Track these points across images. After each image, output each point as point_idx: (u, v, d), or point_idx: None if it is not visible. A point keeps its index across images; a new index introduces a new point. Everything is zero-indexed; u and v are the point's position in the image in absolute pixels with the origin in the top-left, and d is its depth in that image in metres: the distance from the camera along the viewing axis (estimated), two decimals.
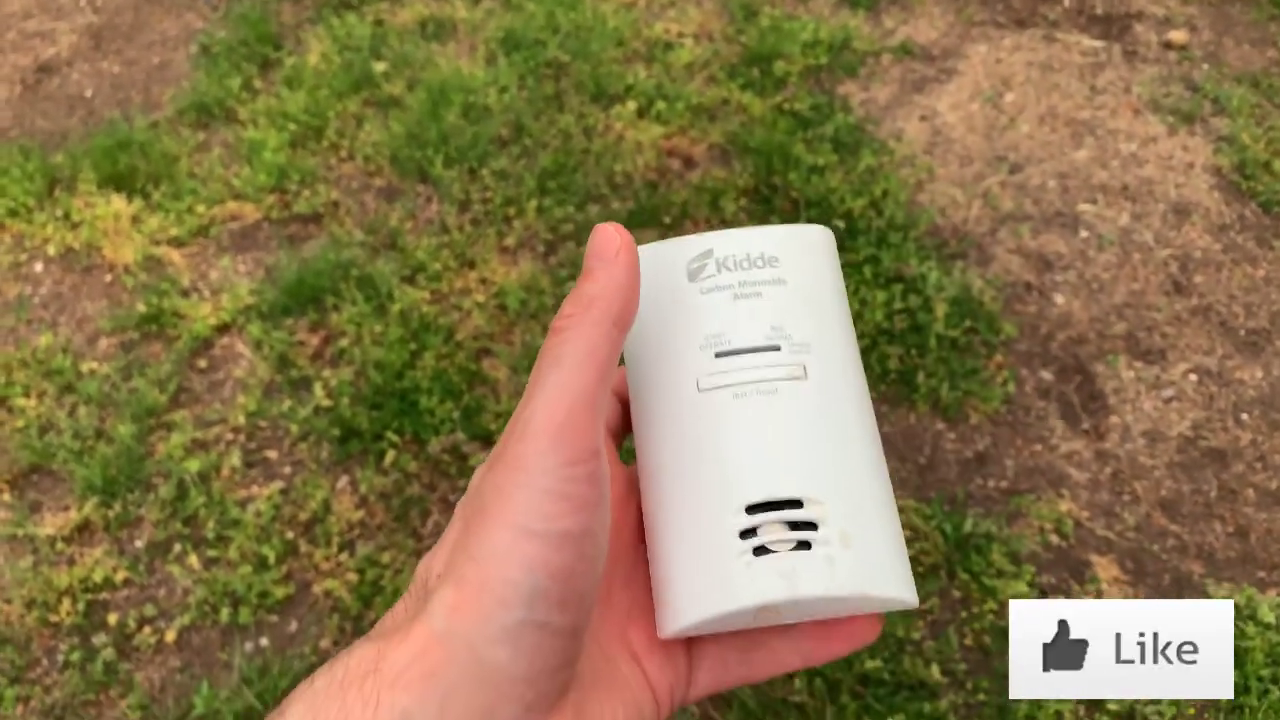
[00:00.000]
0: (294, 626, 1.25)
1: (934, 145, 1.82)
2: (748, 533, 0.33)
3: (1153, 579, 1.28)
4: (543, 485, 0.30)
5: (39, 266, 1.62)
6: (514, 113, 1.83)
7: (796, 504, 0.33)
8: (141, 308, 1.54)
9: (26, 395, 1.45)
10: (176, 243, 1.64)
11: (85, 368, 1.49)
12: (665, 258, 0.38)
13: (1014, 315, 1.54)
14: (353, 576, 1.27)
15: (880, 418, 1.40)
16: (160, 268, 1.61)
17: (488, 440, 1.39)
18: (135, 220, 1.66)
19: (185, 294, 1.57)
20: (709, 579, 0.33)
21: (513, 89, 1.88)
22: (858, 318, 1.50)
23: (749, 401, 0.35)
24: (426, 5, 2.06)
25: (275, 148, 1.75)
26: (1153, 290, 1.58)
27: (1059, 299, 1.57)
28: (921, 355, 1.47)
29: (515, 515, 0.29)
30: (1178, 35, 2.01)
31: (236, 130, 1.81)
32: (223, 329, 1.52)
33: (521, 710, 0.30)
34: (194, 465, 1.36)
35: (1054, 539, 1.31)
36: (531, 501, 0.30)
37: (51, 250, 1.63)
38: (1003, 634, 1.23)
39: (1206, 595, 1.24)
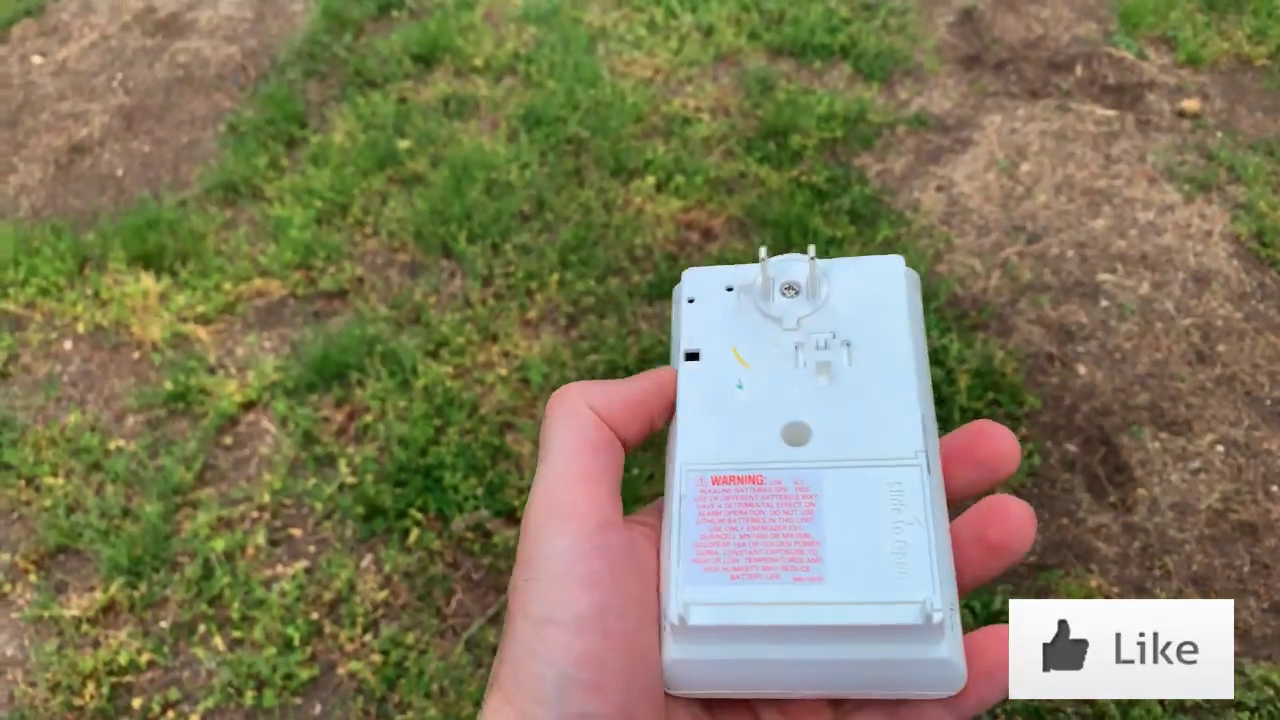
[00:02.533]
0: (318, 709, 1.24)
1: (951, 215, 1.83)
2: None
3: None
4: (546, 572, 0.29)
5: (68, 344, 1.64)
6: (535, 188, 1.86)
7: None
8: (168, 385, 1.55)
9: (55, 474, 1.46)
10: (203, 320, 1.66)
11: (113, 445, 1.50)
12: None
13: (1036, 386, 1.54)
14: (377, 658, 1.26)
15: None
16: (187, 345, 1.63)
17: (511, 516, 1.39)
18: (163, 298, 1.69)
19: (211, 371, 1.59)
20: None
21: (534, 165, 1.91)
22: None
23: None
24: (449, 83, 2.11)
25: (301, 225, 1.78)
26: (1176, 360, 1.58)
27: (1081, 370, 1.56)
28: (945, 428, 1.46)
29: (529, 607, 0.29)
30: (1190, 104, 2.03)
31: (263, 208, 1.84)
32: (248, 406, 1.54)
33: None
34: (219, 544, 1.36)
35: None
36: (539, 591, 0.29)
37: (81, 328, 1.66)
38: (1035, 714, 1.21)
39: (1243, 674, 1.22)
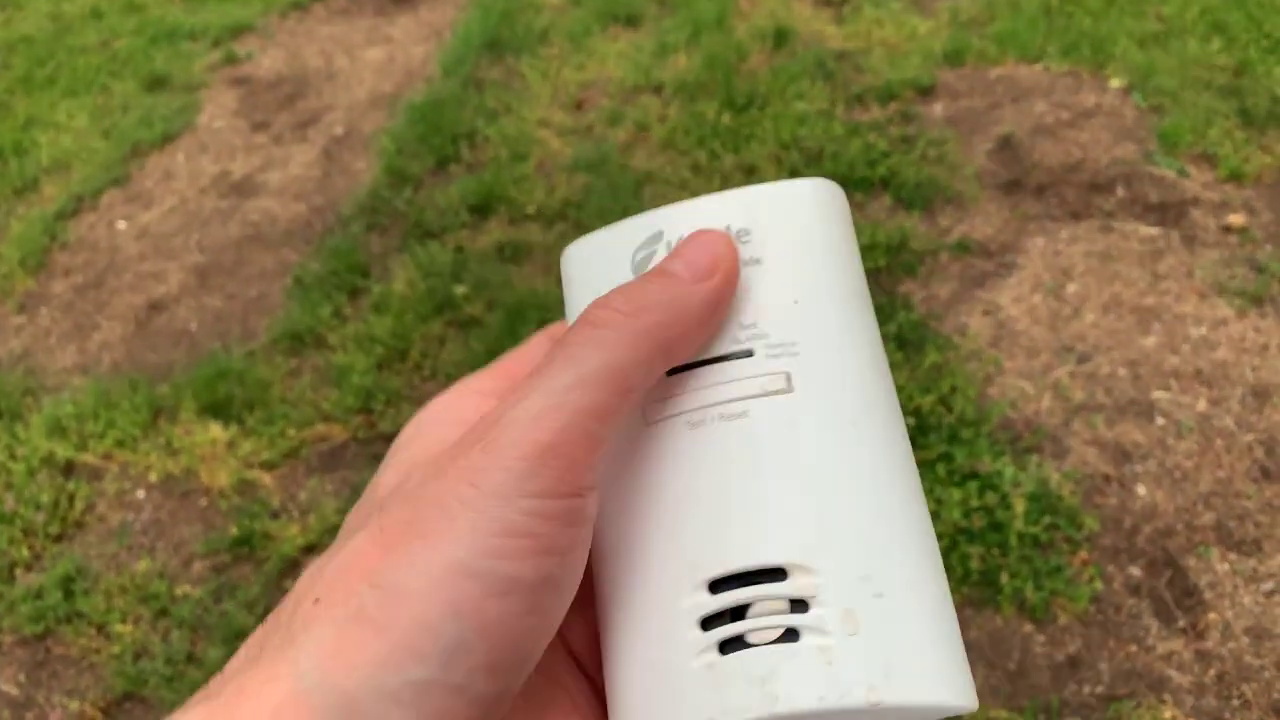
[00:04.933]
0: None
1: (999, 339, 1.84)
2: (711, 620, 0.24)
3: None
4: (499, 514, 0.22)
5: (141, 494, 1.71)
6: None
7: (778, 574, 0.24)
8: (234, 530, 1.60)
9: (124, 621, 1.51)
10: (268, 465, 1.72)
11: (180, 591, 1.54)
12: (606, 249, 0.29)
13: (1095, 508, 1.51)
14: None
15: (964, 621, 1.36)
16: (252, 490, 1.69)
17: None
18: (230, 445, 1.75)
19: (275, 515, 1.63)
20: (658, 692, 0.24)
21: None
22: (934, 517, 1.49)
23: (709, 431, 0.25)
24: (504, 231, 2.20)
25: (362, 370, 1.85)
26: (1240, 477, 1.54)
27: (1141, 490, 1.54)
28: (1003, 554, 1.44)
29: (454, 543, 0.22)
30: (1236, 219, 2.04)
31: (326, 355, 1.92)
32: (310, 549, 1.57)
33: None
34: None
35: None
36: (479, 530, 0.22)
37: (153, 477, 1.72)
38: None
39: None
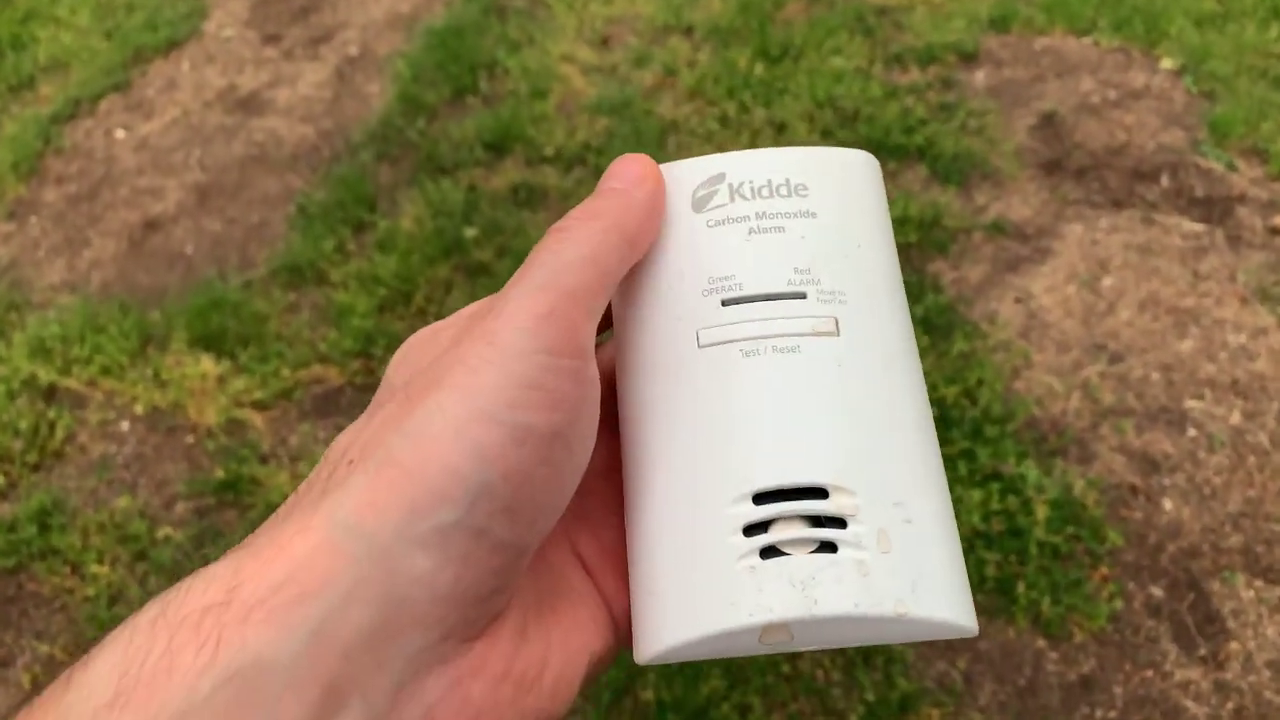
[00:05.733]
0: None
1: (1029, 330, 1.76)
2: (754, 528, 0.26)
3: None
4: (516, 369, 0.24)
5: (125, 425, 1.64)
6: None
7: (820, 493, 0.26)
8: (220, 473, 1.53)
9: (100, 561, 1.44)
10: (259, 406, 1.65)
11: (160, 533, 1.48)
12: (667, 183, 0.31)
13: (1119, 521, 1.45)
14: None
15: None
16: (241, 431, 1.62)
17: None
18: (221, 381, 1.68)
19: (264, 460, 1.57)
20: (700, 587, 0.26)
21: None
22: None
23: (762, 361, 0.28)
24: (519, 172, 2.10)
25: (364, 312, 1.77)
26: (1270, 499, 1.48)
27: (1167, 505, 1.47)
28: (1021, 563, 1.38)
29: (477, 394, 0.24)
30: None
31: (327, 292, 1.84)
32: None
33: (437, 637, 0.23)
34: None
35: None
36: (500, 382, 0.24)
37: (139, 409, 1.65)
38: None
39: None
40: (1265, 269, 1.85)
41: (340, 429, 1.61)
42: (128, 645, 0.21)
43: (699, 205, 0.30)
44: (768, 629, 0.25)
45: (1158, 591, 1.37)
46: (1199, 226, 1.96)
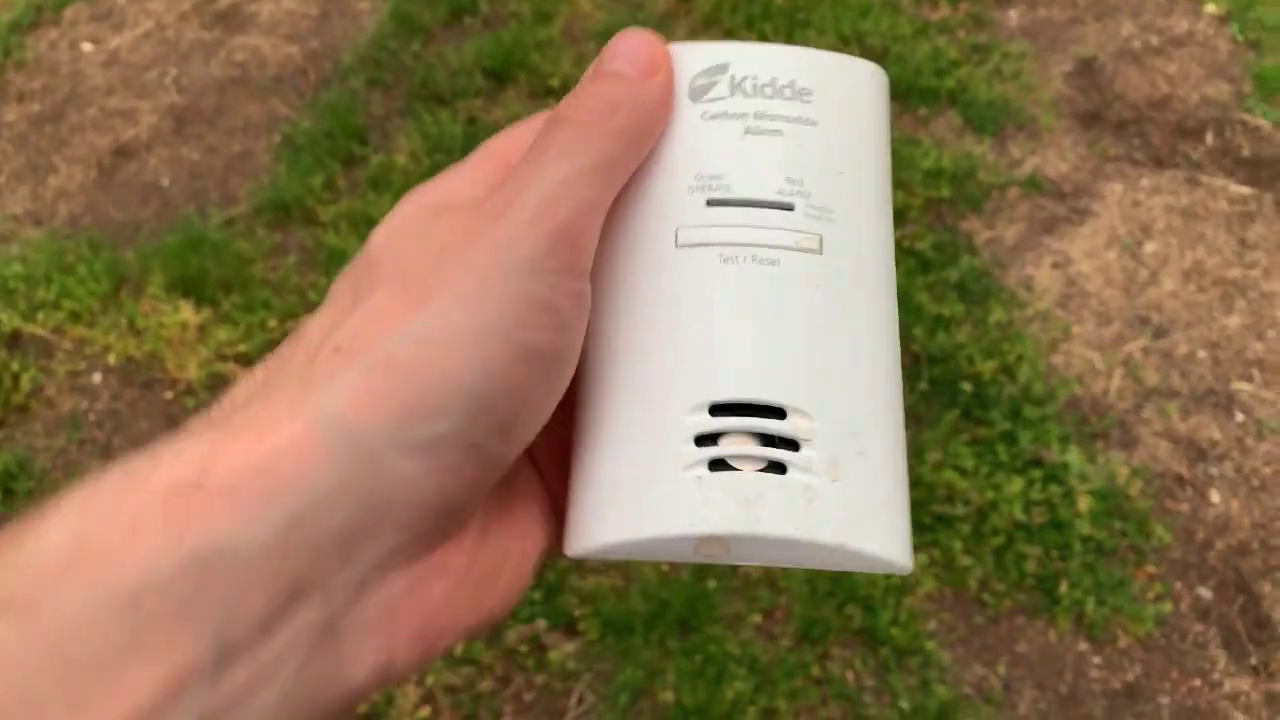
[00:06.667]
0: None
1: (1068, 298, 1.66)
2: (706, 439, 0.25)
3: None
4: (527, 288, 0.23)
5: (97, 378, 1.51)
6: None
7: (778, 413, 0.25)
8: None
9: None
10: (244, 359, 1.52)
11: None
12: None
13: (1165, 514, 1.37)
14: None
15: (1015, 631, 1.23)
16: (224, 386, 1.49)
17: (571, 628, 1.24)
18: (202, 331, 1.55)
19: None
20: (642, 491, 0.25)
21: None
22: (991, 507, 1.34)
23: (740, 270, 0.26)
24: (523, 104, 1.95)
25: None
26: None
27: (1215, 497, 1.39)
28: (1064, 559, 1.30)
29: (485, 308, 0.23)
30: None
31: (316, 234, 1.70)
32: None
33: (408, 540, 0.23)
34: None
35: None
36: (510, 298, 0.23)
37: (112, 359, 1.52)
38: None
39: None
40: None
41: None
42: (86, 509, 0.20)
43: (696, 94, 0.28)
44: (705, 540, 0.25)
45: (1206, 593, 1.30)
46: (1246, 190, 1.85)
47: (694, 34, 2.12)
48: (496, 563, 0.26)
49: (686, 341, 0.26)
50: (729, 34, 2.12)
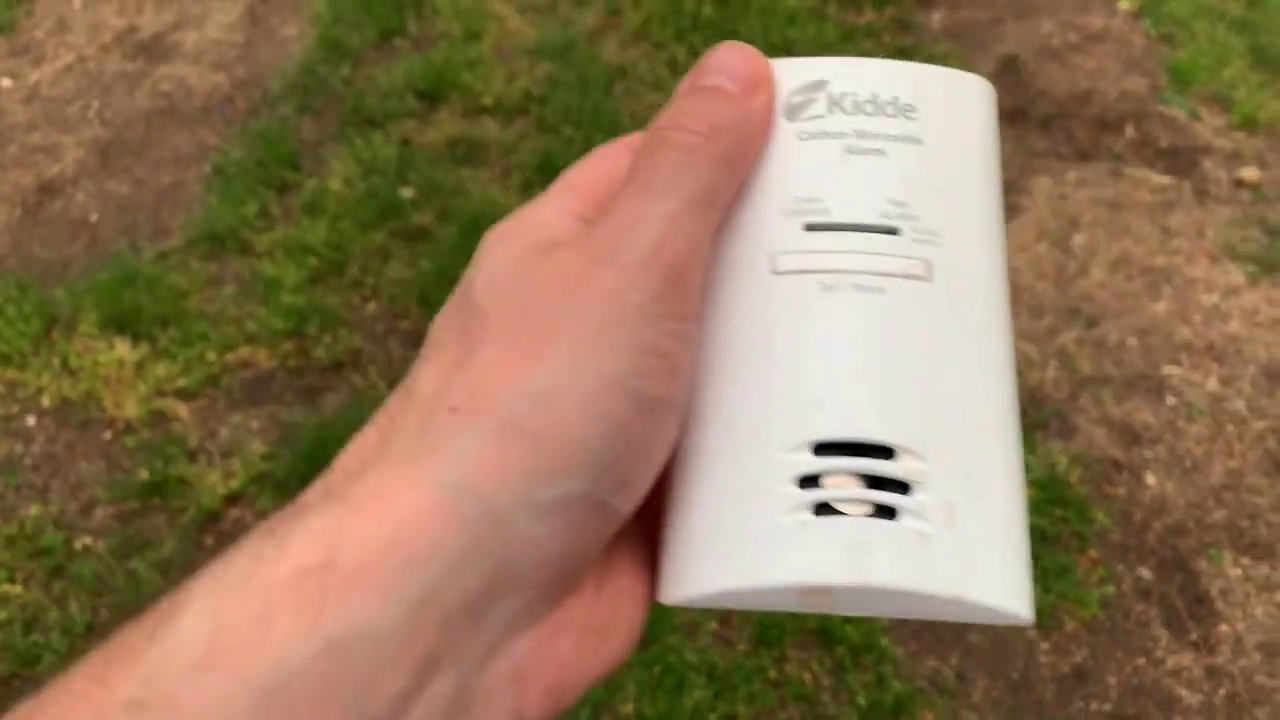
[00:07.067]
0: None
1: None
2: (809, 481, 0.24)
3: None
4: (643, 335, 0.23)
5: (31, 420, 1.48)
6: None
7: (886, 453, 0.24)
8: (144, 473, 1.39)
9: (12, 580, 1.30)
10: (184, 395, 1.50)
11: (79, 544, 1.34)
12: None
13: (1104, 499, 1.40)
14: None
15: (966, 623, 1.26)
16: (165, 423, 1.47)
17: None
18: (139, 368, 1.52)
19: (192, 456, 1.43)
20: (745, 535, 0.24)
21: None
22: None
23: (843, 298, 0.25)
24: (456, 124, 1.95)
25: (293, 286, 1.62)
26: (1251, 469, 1.45)
27: (1150, 479, 1.43)
28: None
29: (603, 360, 0.22)
30: (1249, 174, 1.91)
31: (252, 264, 1.68)
32: (233, 500, 1.38)
33: (534, 598, 0.22)
34: None
35: None
36: (626, 347, 0.22)
37: (46, 401, 1.49)
38: None
39: None
40: (1233, 225, 1.81)
41: (275, 418, 1.48)
42: (217, 600, 0.19)
43: (792, 113, 0.27)
44: (810, 590, 0.23)
45: (1146, 573, 1.33)
46: (1166, 180, 1.90)
47: (624, 48, 2.14)
48: (613, 611, 0.25)
49: (786, 375, 0.25)
50: (658, 47, 2.14)
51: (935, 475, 0.23)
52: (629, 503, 0.23)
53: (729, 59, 0.26)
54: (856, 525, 0.23)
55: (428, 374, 0.23)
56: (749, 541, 0.24)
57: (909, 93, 0.27)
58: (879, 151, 0.26)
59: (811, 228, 0.26)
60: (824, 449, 0.24)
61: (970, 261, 0.26)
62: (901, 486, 0.23)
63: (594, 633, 0.24)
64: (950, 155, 0.27)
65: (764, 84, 0.26)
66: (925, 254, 0.25)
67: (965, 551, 0.23)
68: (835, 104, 0.27)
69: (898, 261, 0.25)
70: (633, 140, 0.28)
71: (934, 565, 0.23)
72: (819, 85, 0.27)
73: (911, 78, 0.27)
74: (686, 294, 0.24)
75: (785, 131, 0.27)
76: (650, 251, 0.23)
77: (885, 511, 0.23)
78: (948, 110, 0.27)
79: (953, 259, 0.25)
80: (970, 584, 0.23)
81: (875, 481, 0.23)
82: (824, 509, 0.23)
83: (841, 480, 0.24)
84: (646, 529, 0.28)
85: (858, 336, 0.24)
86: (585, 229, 0.25)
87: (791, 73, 0.27)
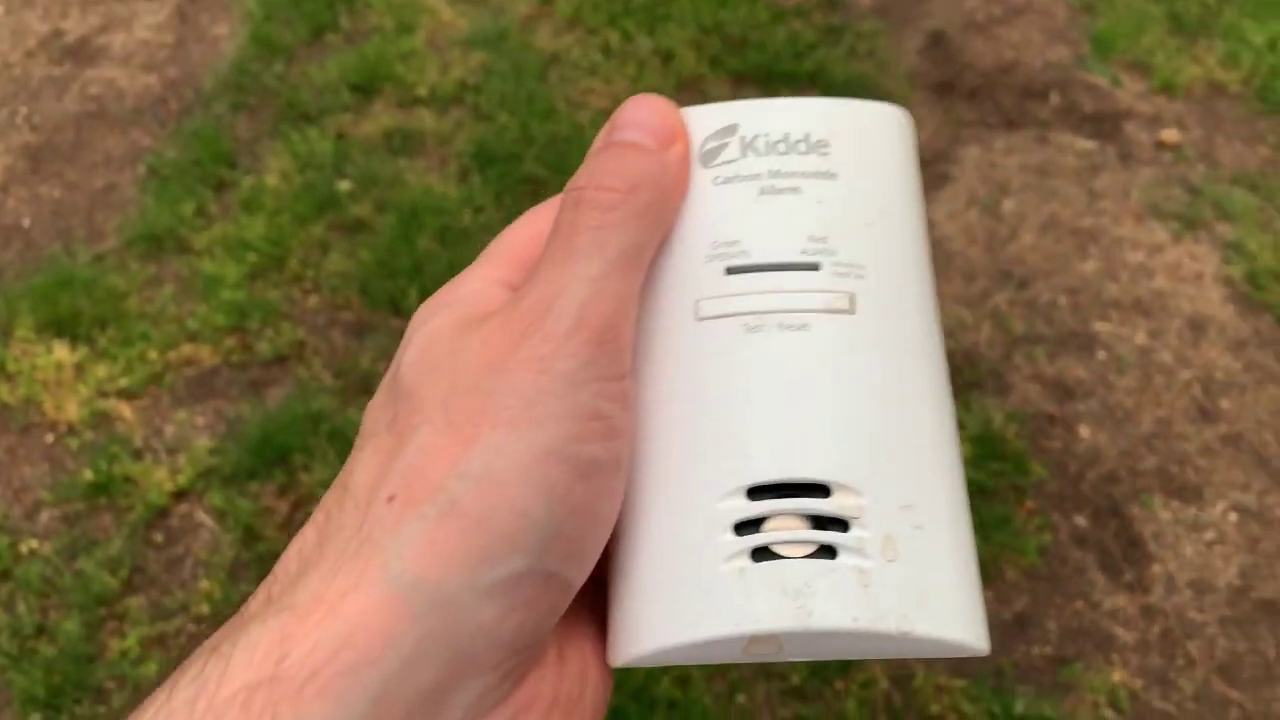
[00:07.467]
0: None
1: (934, 259, 1.73)
2: (746, 526, 0.23)
3: None
4: (576, 400, 0.22)
5: None
6: (492, 234, 1.71)
7: (822, 491, 0.23)
8: (88, 474, 1.38)
9: None
10: (126, 395, 1.49)
11: (25, 548, 1.33)
12: None
13: (1040, 453, 1.44)
14: None
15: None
16: (109, 424, 1.46)
17: None
18: (79, 370, 1.51)
19: (137, 455, 1.42)
20: (684, 589, 0.23)
21: (489, 208, 1.76)
22: None
23: (767, 338, 0.25)
24: (391, 116, 1.95)
25: (233, 282, 1.62)
26: (1179, 417, 1.50)
27: (1084, 431, 1.48)
28: None
29: (539, 430, 0.22)
30: (1169, 135, 1.96)
31: (191, 262, 1.67)
32: (180, 496, 1.37)
33: (495, 680, 0.22)
34: (151, 668, 1.20)
35: (1110, 715, 1.20)
36: (561, 415, 0.22)
37: None
38: None
39: None
40: (1155, 185, 1.86)
41: (220, 413, 1.48)
42: None
43: (706, 159, 0.27)
44: (755, 639, 0.22)
45: (1082, 521, 1.38)
46: (1091, 144, 1.95)
47: (557, 35, 2.15)
48: (579, 681, 0.25)
49: (714, 422, 0.24)
50: (592, 33, 2.15)
51: (872, 509, 0.23)
52: (581, 570, 0.23)
53: (641, 114, 0.26)
54: (796, 568, 0.23)
55: (363, 465, 0.23)
56: (688, 594, 0.23)
57: (821, 128, 0.27)
58: (794, 189, 0.26)
59: (732, 270, 0.26)
60: (758, 492, 0.23)
61: (895, 289, 0.26)
62: (840, 524, 0.23)
63: (560, 707, 0.24)
64: (867, 186, 0.27)
65: (678, 135, 0.26)
66: (847, 287, 0.25)
67: (909, 584, 0.23)
68: (748, 146, 0.27)
69: (819, 297, 0.25)
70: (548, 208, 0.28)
71: (877, 602, 0.22)
72: (730, 130, 0.27)
73: (822, 113, 0.27)
74: (617, 354, 0.23)
75: (701, 178, 0.27)
76: (577, 317, 0.23)
77: (826, 551, 0.23)
78: (861, 142, 0.27)
79: (876, 289, 0.25)
80: (916, 619, 0.22)
81: (815, 521, 0.23)
82: (763, 554, 0.23)
83: (780, 522, 0.23)
84: (605, 593, 0.27)
85: (781, 376, 0.24)
86: (513, 297, 0.24)
87: (703, 120, 0.27)
